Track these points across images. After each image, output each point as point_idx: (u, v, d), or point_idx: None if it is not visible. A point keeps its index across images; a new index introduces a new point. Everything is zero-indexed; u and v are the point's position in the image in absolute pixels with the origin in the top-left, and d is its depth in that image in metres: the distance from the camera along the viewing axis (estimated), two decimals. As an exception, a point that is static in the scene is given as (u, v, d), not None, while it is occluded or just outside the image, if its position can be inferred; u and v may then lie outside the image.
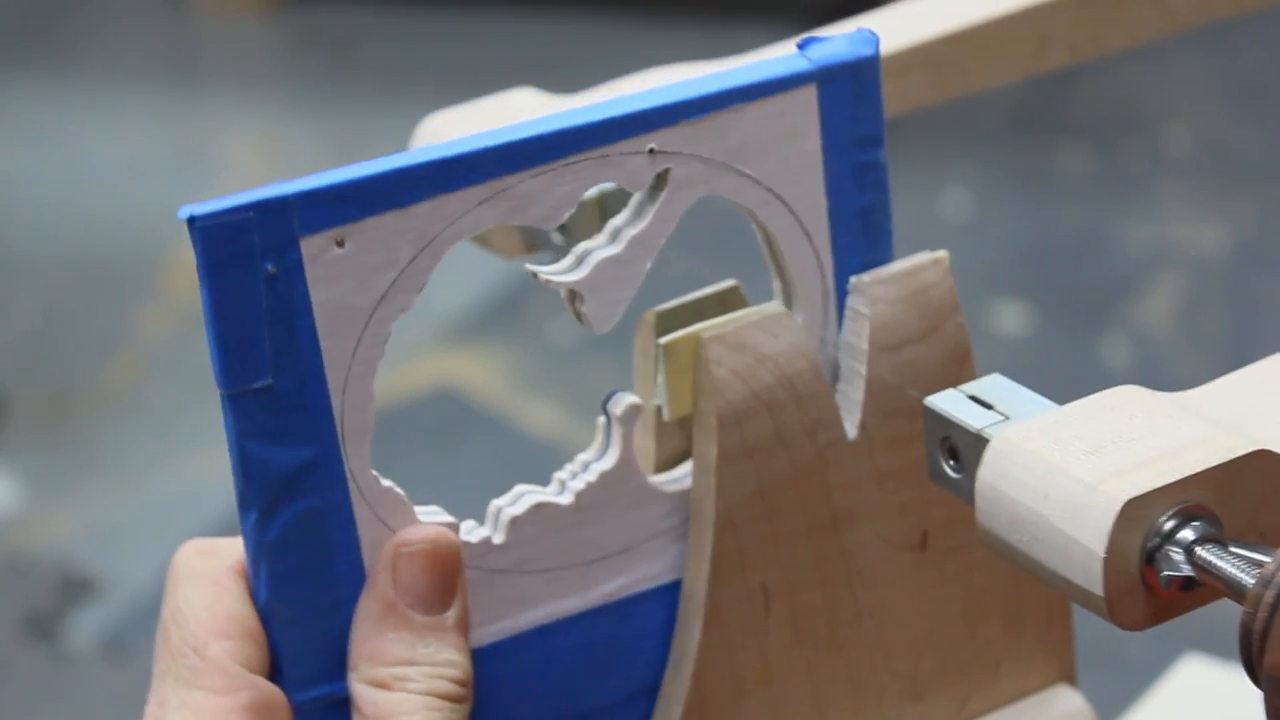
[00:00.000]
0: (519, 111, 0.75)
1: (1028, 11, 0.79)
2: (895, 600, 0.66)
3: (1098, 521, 0.53)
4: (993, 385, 0.61)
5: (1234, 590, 0.52)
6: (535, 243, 0.71)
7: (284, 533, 0.59)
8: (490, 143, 0.59)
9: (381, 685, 0.59)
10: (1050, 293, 2.29)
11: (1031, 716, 0.69)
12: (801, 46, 0.62)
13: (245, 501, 0.59)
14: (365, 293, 0.58)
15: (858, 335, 0.64)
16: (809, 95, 0.62)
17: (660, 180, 0.61)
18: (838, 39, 0.62)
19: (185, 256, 2.46)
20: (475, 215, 0.59)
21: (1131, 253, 2.33)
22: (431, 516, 0.62)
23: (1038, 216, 2.43)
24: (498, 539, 0.62)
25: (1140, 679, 1.06)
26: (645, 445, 0.65)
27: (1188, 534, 0.54)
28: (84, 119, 2.79)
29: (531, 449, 2.07)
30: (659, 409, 0.64)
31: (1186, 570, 0.53)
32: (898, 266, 0.64)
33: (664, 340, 0.63)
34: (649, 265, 0.62)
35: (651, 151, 0.60)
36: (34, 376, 2.28)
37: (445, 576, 0.60)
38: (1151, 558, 0.54)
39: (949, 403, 0.60)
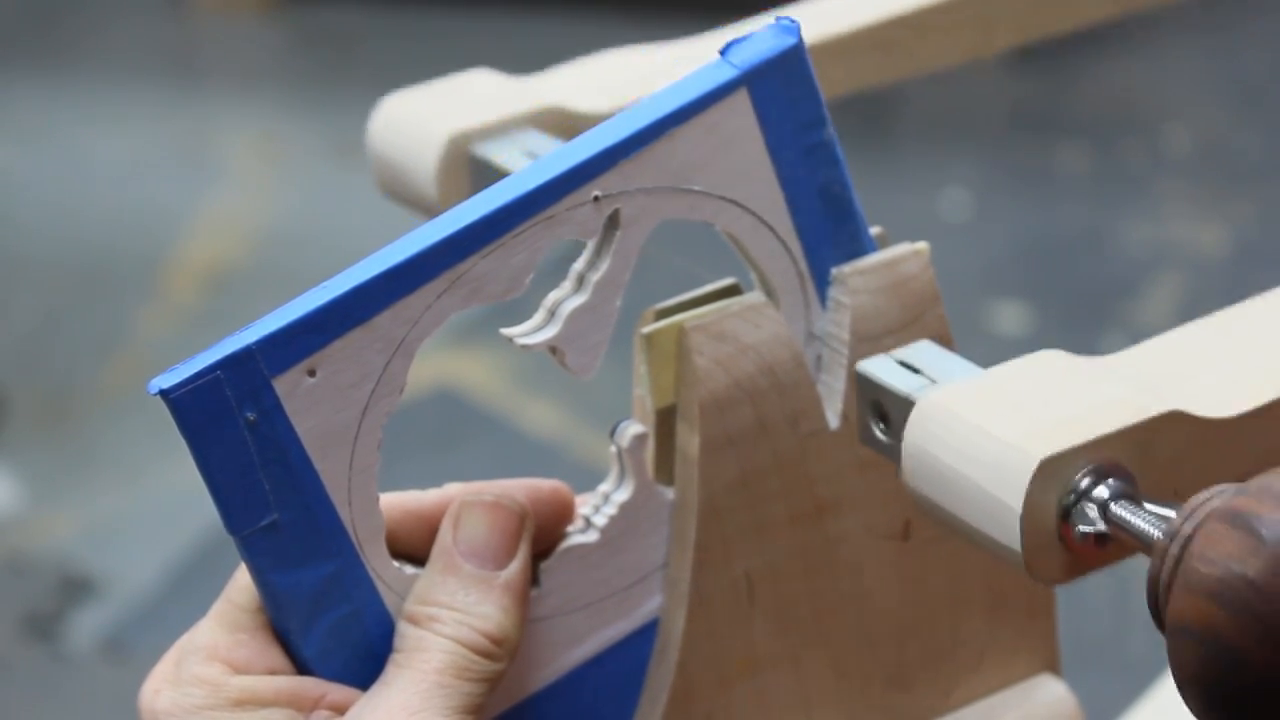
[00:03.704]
0: (476, 93, 0.76)
1: None
2: (879, 589, 0.67)
3: (1016, 479, 0.55)
4: (922, 351, 0.62)
5: (1143, 544, 0.54)
6: None
7: (324, 643, 0.61)
8: (436, 236, 0.59)
9: (414, 621, 0.61)
10: (1050, 293, 2.29)
11: (1015, 705, 0.70)
12: (724, 51, 0.62)
13: (280, 623, 0.61)
14: (347, 410, 0.59)
15: (839, 325, 0.64)
16: (741, 100, 0.61)
17: (612, 221, 0.61)
18: (759, 35, 0.62)
19: (185, 256, 2.46)
20: (437, 308, 0.59)
21: (1131, 253, 2.33)
22: None
23: (1038, 216, 2.43)
24: (533, 591, 0.63)
25: (1140, 679, 1.06)
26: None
27: (1102, 491, 0.55)
28: (84, 119, 2.79)
29: (531, 449, 2.07)
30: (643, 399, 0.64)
31: (1101, 526, 0.55)
32: (879, 257, 0.64)
33: (646, 330, 0.63)
34: (619, 302, 0.62)
35: (596, 199, 0.60)
36: (34, 376, 2.28)
37: (503, 534, 0.62)
38: (1068, 514, 0.55)
39: (879, 368, 0.61)
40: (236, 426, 0.58)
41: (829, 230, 0.63)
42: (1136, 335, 2.30)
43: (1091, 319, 2.22)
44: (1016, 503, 0.55)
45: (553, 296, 0.62)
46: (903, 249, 0.65)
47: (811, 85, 0.62)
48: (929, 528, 0.67)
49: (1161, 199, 2.43)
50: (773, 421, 0.63)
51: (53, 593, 1.96)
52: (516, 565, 0.62)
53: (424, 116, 0.75)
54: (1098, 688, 0.98)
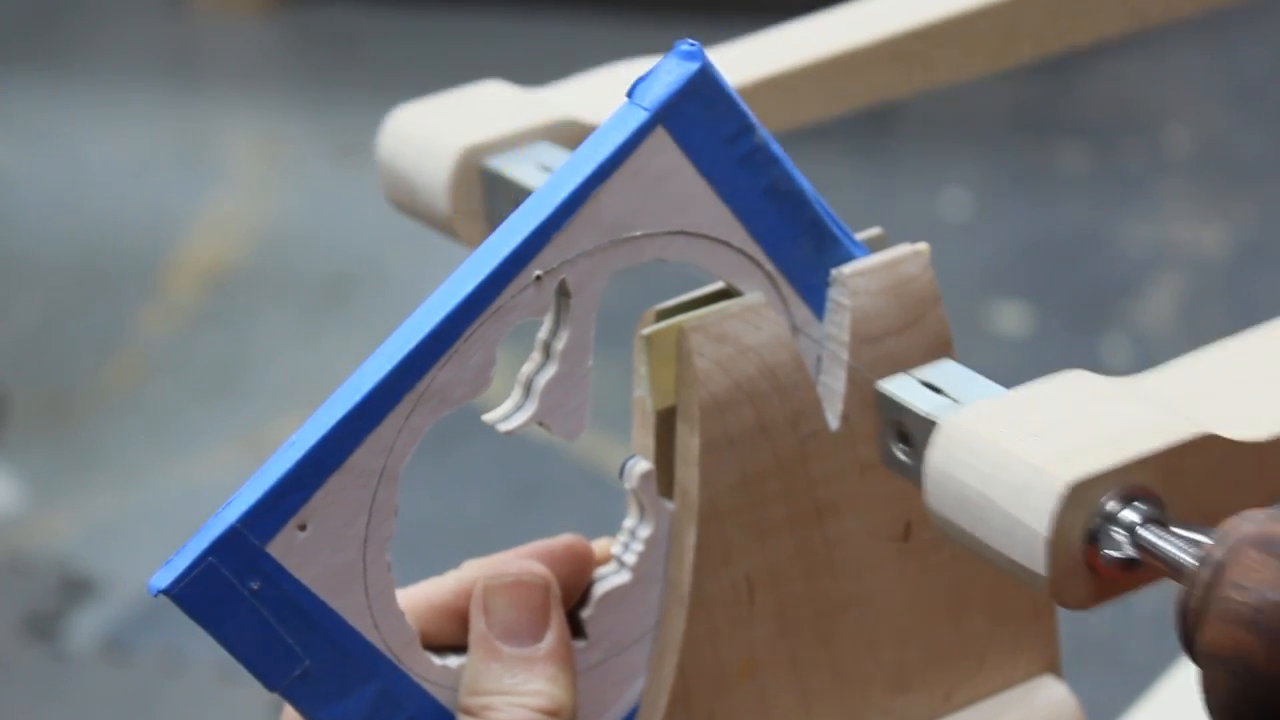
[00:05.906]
0: (488, 104, 0.75)
1: (992, 7, 0.79)
2: (879, 591, 0.66)
3: (1042, 503, 0.54)
4: (944, 370, 0.61)
5: (1174, 570, 0.53)
6: None
7: None
8: (387, 366, 0.59)
9: (469, 712, 0.62)
10: (1050, 293, 2.29)
11: (1016, 707, 0.70)
12: (630, 94, 0.60)
13: None
14: (347, 548, 0.59)
15: (839, 326, 0.64)
16: (660, 138, 0.60)
17: (562, 291, 0.61)
18: (663, 68, 0.60)
19: (185, 256, 2.46)
20: (409, 430, 0.59)
21: (1131, 253, 2.34)
22: None
23: (1038, 216, 2.43)
24: (580, 644, 0.64)
25: (1140, 679, 1.06)
26: (645, 443, 0.65)
27: (1131, 515, 0.54)
28: (84, 119, 2.80)
29: (531, 449, 2.07)
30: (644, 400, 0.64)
31: (1129, 551, 0.54)
32: (879, 258, 0.64)
33: (646, 331, 0.63)
34: (591, 360, 0.62)
35: (538, 278, 0.60)
36: (34, 376, 2.28)
37: (533, 609, 0.63)
38: (1094, 538, 0.54)
39: (900, 387, 0.61)
40: (243, 599, 0.58)
41: (786, 225, 0.63)
42: (1137, 335, 2.30)
43: (1091, 319, 2.23)
44: (1043, 527, 0.54)
45: (525, 371, 0.62)
46: (903, 250, 0.65)
47: (729, 99, 0.61)
48: (929, 530, 0.66)
49: (1161, 199, 2.44)
50: (773, 423, 0.63)
51: (53, 593, 1.97)
52: (553, 634, 0.63)
53: (435, 129, 0.74)
54: (1098, 688, 0.98)
